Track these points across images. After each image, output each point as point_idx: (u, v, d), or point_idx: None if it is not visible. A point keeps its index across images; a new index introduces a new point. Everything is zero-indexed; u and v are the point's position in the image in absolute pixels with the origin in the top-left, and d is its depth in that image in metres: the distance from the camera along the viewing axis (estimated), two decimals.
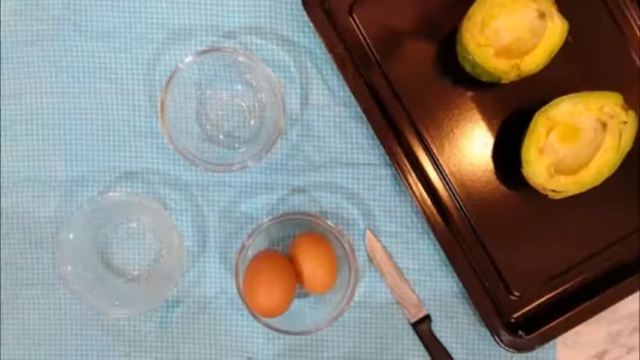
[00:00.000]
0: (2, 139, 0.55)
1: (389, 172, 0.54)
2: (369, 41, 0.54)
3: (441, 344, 0.54)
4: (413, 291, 0.54)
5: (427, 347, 0.54)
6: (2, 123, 0.55)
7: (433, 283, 0.55)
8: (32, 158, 0.55)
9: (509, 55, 0.49)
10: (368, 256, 0.54)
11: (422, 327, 0.54)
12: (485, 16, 0.49)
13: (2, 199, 0.55)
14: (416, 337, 0.54)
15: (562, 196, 0.50)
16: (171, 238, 0.52)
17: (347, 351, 0.55)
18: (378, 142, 0.52)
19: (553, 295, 0.54)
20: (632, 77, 0.54)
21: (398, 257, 0.55)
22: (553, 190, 0.50)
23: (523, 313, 0.54)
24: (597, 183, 0.50)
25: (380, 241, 0.54)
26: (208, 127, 0.54)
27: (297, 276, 0.51)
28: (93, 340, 0.55)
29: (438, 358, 0.54)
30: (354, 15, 0.54)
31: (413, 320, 0.54)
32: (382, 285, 0.55)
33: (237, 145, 0.54)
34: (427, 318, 0.54)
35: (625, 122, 0.49)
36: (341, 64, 0.52)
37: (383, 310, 0.55)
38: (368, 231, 0.54)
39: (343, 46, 0.52)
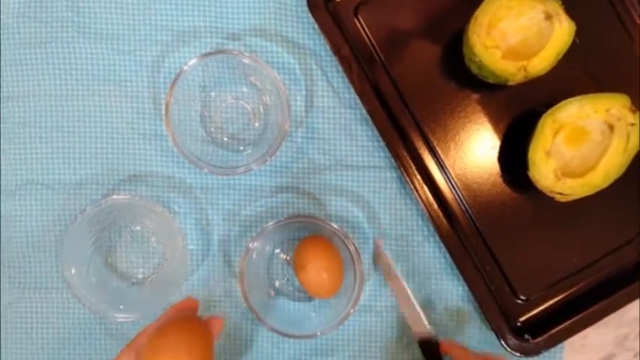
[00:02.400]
0: (6, 141, 0.55)
1: (394, 174, 0.54)
2: (374, 43, 0.53)
3: None
4: (423, 316, 0.52)
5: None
6: (5, 125, 0.54)
7: (439, 287, 0.54)
8: (35, 161, 0.54)
9: (516, 57, 0.49)
10: (373, 262, 0.54)
11: (428, 346, 0.52)
12: (492, 17, 0.49)
13: (5, 203, 0.55)
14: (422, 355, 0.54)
15: (569, 199, 0.50)
16: (176, 242, 0.51)
17: (352, 354, 0.54)
18: (383, 144, 0.52)
19: (560, 299, 0.54)
20: (639, 79, 0.53)
21: (403, 260, 0.54)
22: (560, 193, 0.49)
23: (529, 317, 0.54)
24: (605, 185, 0.49)
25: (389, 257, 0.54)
26: (213, 129, 0.54)
27: (302, 280, 0.51)
28: (97, 343, 0.55)
29: None
30: (359, 16, 0.53)
31: (419, 338, 0.53)
32: (387, 289, 0.54)
33: (241, 148, 0.54)
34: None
35: (632, 124, 0.49)
36: (346, 66, 0.52)
37: (388, 313, 0.54)
38: (379, 244, 0.53)
39: (348, 48, 0.52)
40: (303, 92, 0.54)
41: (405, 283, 0.53)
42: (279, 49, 0.54)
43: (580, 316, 0.52)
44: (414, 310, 0.53)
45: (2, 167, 0.55)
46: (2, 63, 0.54)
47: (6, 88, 0.54)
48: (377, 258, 0.54)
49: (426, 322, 0.53)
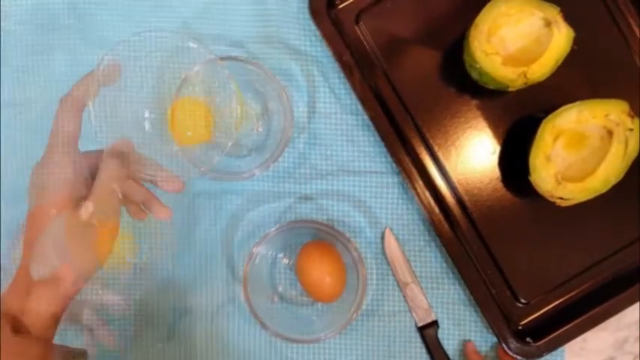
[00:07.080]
0: (7, 148, 0.55)
1: (396, 179, 0.55)
2: (375, 49, 0.54)
3: (444, 352, 0.54)
4: (424, 296, 0.54)
5: (431, 353, 0.54)
6: (7, 131, 0.55)
7: (441, 291, 0.55)
8: None
9: (516, 64, 0.50)
10: (384, 254, 0.54)
11: (428, 332, 0.54)
12: (492, 24, 0.50)
13: (7, 209, 0.55)
14: (423, 344, 0.54)
15: (569, 204, 0.50)
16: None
17: (355, 359, 0.55)
18: (385, 149, 0.52)
19: (560, 302, 0.54)
20: (637, 84, 0.54)
21: None
22: (560, 198, 0.50)
23: (531, 321, 0.54)
24: (604, 190, 0.50)
25: (398, 241, 0.54)
26: (216, 135, 0.54)
27: (305, 285, 0.51)
28: (99, 348, 0.55)
29: None
30: (360, 24, 0.54)
31: (420, 324, 0.54)
32: (390, 292, 0.55)
33: (244, 153, 0.54)
34: (435, 324, 0.54)
35: (631, 129, 0.49)
36: (348, 73, 0.52)
37: (391, 317, 0.55)
38: (388, 230, 0.54)
39: (350, 55, 0.52)
40: (306, 98, 0.54)
41: (409, 265, 0.54)
42: (282, 56, 0.54)
43: (580, 319, 0.52)
44: (414, 291, 0.54)
45: (3, 173, 0.55)
46: (4, 69, 0.54)
47: (8, 94, 0.54)
48: (384, 238, 0.54)
49: (428, 306, 0.54)
